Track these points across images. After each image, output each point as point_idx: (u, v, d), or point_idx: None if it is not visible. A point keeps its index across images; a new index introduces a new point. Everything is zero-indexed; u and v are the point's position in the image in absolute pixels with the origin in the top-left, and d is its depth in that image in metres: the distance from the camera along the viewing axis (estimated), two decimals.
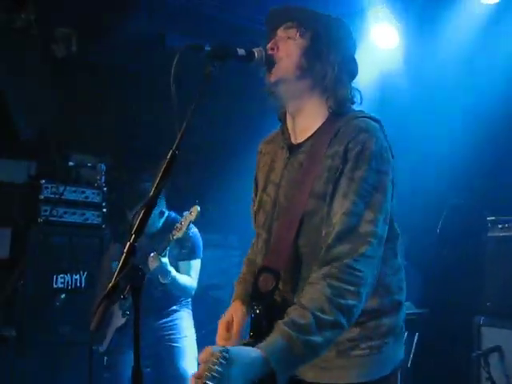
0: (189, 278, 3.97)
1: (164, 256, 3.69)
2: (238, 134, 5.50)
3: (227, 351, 1.45)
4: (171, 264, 3.89)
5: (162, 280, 3.72)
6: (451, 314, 4.35)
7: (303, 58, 1.84)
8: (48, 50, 4.95)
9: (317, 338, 1.56)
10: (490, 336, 3.68)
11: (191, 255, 4.04)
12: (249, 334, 1.81)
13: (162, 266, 3.68)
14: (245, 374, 1.48)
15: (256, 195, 2.06)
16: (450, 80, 4.54)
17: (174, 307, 4.06)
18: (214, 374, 1.42)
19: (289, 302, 1.78)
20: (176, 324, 4.04)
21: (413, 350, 4.19)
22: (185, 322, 4.07)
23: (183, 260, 4.00)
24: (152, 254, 3.70)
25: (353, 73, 1.92)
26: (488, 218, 3.96)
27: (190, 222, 3.73)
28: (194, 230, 4.06)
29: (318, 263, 1.67)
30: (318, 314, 1.57)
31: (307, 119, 1.89)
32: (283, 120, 1.99)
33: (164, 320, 4.00)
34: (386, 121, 1.83)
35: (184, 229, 3.71)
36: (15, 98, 4.64)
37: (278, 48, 1.87)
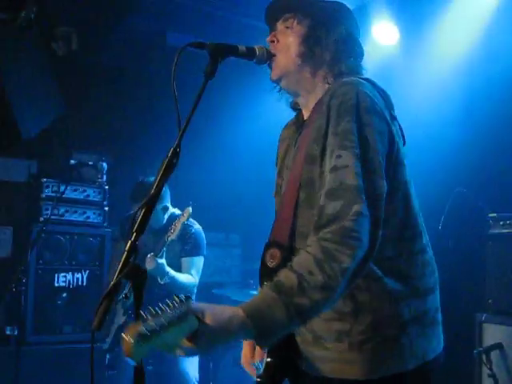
0: (188, 276, 3.96)
1: (161, 257, 3.70)
2: (241, 134, 5.50)
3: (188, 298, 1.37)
4: (173, 261, 3.90)
5: (160, 281, 3.72)
6: (452, 311, 4.33)
7: (302, 45, 1.85)
8: (49, 49, 4.95)
9: (302, 301, 1.46)
10: (492, 333, 3.67)
11: (193, 252, 4.03)
12: None
13: (159, 267, 3.69)
14: (219, 333, 1.41)
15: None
16: (451, 76, 4.53)
17: None
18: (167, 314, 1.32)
19: None
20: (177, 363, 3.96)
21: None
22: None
23: (185, 256, 4.00)
24: (149, 255, 3.72)
25: (355, 51, 1.89)
26: (489, 215, 3.95)
27: (183, 223, 3.74)
28: (197, 226, 4.08)
29: (314, 227, 1.58)
30: (305, 275, 1.48)
31: (313, 99, 1.89)
32: (296, 107, 2.01)
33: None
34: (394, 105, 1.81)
35: (177, 231, 3.72)
36: (16, 96, 4.63)
37: (277, 40, 1.88)
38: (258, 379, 1.80)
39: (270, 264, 1.76)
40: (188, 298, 1.35)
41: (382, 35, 4.88)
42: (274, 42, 1.88)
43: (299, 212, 1.75)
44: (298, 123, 1.97)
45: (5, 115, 4.62)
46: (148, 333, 1.25)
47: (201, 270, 4.08)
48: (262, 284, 1.80)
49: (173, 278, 3.78)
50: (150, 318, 1.28)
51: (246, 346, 2.00)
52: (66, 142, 5.09)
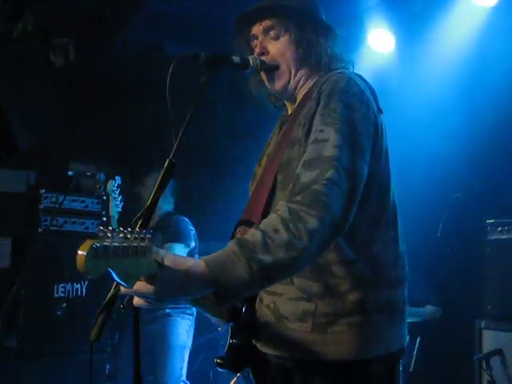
0: None
1: None
2: (241, 140, 5.51)
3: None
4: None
5: None
6: (452, 318, 4.34)
7: (298, 50, 1.88)
8: (47, 60, 4.96)
9: (265, 258, 1.43)
10: (492, 339, 3.68)
11: (173, 238, 3.98)
12: None
13: None
14: (178, 281, 1.39)
15: None
16: (447, 82, 4.55)
17: (164, 311, 3.99)
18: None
19: None
20: (162, 331, 3.98)
21: (414, 355, 4.18)
22: (172, 329, 4.01)
23: (167, 243, 3.95)
24: None
25: (328, 35, 1.91)
26: (487, 221, 3.96)
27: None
28: (179, 216, 4.10)
29: (287, 196, 1.58)
30: (270, 233, 1.46)
31: (302, 94, 1.92)
32: (278, 104, 2.05)
33: (148, 327, 3.94)
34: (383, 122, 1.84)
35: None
36: (14, 108, 4.64)
37: (267, 51, 1.89)
38: (219, 360, 1.75)
39: None
40: (152, 235, 1.32)
41: (377, 43, 4.90)
42: (264, 54, 1.89)
43: (276, 193, 1.75)
44: (282, 118, 2.01)
45: (2, 126, 4.63)
46: (100, 251, 1.22)
47: None
48: None
49: None
50: (108, 237, 1.24)
51: None
52: (64, 152, 5.09)
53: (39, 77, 4.81)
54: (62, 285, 4.51)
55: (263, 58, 1.88)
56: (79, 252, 1.22)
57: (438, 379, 4.34)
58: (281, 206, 1.54)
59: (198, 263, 1.42)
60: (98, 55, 5.12)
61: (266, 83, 1.94)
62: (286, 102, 2.00)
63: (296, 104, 1.92)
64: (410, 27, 4.73)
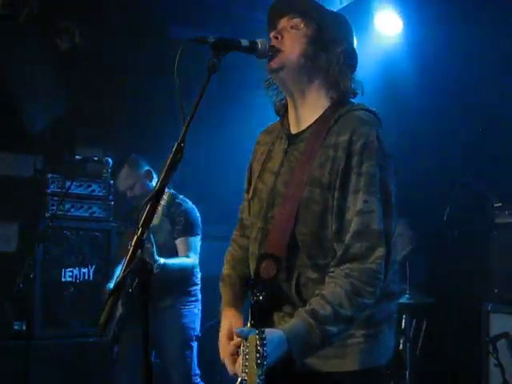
0: (184, 258, 3.88)
1: (152, 247, 3.67)
2: (242, 126, 5.49)
3: (263, 332, 1.55)
4: (166, 241, 3.86)
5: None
6: (459, 301, 4.35)
7: (309, 47, 1.85)
8: (52, 44, 4.95)
9: (333, 329, 1.67)
10: (498, 322, 3.69)
11: (186, 232, 3.95)
12: (249, 321, 1.78)
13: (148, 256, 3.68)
14: (274, 353, 1.59)
15: (250, 184, 2.06)
16: (455, 65, 4.51)
17: (169, 302, 3.95)
18: (261, 356, 1.54)
19: (284, 290, 1.81)
20: (176, 324, 3.96)
21: (421, 337, 4.19)
22: (185, 321, 3.99)
23: (178, 237, 3.93)
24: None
25: (354, 66, 1.93)
26: (495, 205, 3.95)
27: (163, 206, 3.71)
28: (189, 205, 4.02)
29: (337, 260, 1.74)
30: (337, 308, 1.67)
31: (307, 109, 1.90)
32: (282, 112, 2.01)
33: (160, 317, 3.89)
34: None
35: (159, 216, 3.74)
36: (21, 93, 4.64)
37: (282, 36, 1.87)
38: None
39: (265, 275, 1.79)
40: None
41: (385, 25, 4.86)
42: (277, 38, 1.87)
43: (299, 229, 1.80)
44: (284, 130, 1.96)
45: (10, 110, 4.63)
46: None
47: (198, 249, 3.98)
48: (254, 294, 1.80)
49: (164, 266, 3.67)
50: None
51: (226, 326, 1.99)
52: (71, 137, 5.10)
53: (46, 61, 4.80)
54: (70, 269, 4.54)
55: (274, 41, 1.86)
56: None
57: (444, 362, 4.36)
58: (339, 276, 1.72)
59: (281, 335, 1.64)
60: (104, 39, 5.10)
61: (267, 65, 1.89)
62: (290, 108, 1.95)
63: (306, 122, 1.89)
64: (418, 9, 4.68)
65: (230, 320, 1.96)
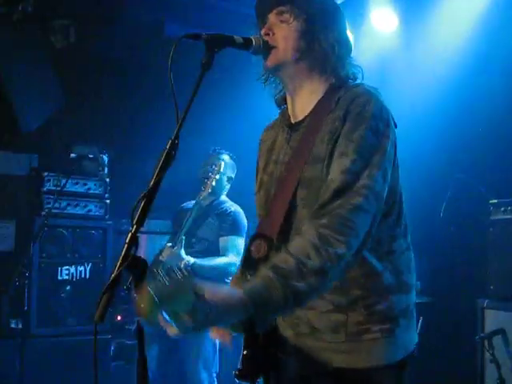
0: (221, 258, 3.94)
1: (179, 247, 3.74)
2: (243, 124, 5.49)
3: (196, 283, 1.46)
4: (211, 238, 3.97)
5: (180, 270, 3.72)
6: (455, 298, 4.36)
7: (301, 40, 1.84)
8: (48, 42, 4.94)
9: (299, 285, 1.52)
10: (494, 319, 3.69)
11: (232, 230, 4.04)
12: None
13: (174, 257, 3.73)
14: (217, 309, 1.45)
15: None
16: (450, 62, 4.51)
17: None
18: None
19: None
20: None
21: (417, 334, 4.19)
22: None
23: (223, 235, 4.01)
24: (168, 245, 3.77)
25: (350, 49, 1.92)
26: (490, 201, 3.95)
27: (216, 180, 3.90)
28: (237, 208, 4.13)
29: (310, 217, 1.64)
30: (302, 259, 1.53)
31: (307, 98, 1.89)
32: (281, 104, 2.01)
33: None
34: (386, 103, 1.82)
35: (209, 188, 3.87)
36: (15, 91, 4.63)
37: (273, 33, 1.86)
38: (237, 372, 1.79)
39: (255, 255, 1.78)
40: (188, 272, 1.49)
41: (380, 22, 4.86)
42: (269, 34, 1.86)
43: (297, 210, 1.77)
44: (285, 121, 1.96)
45: (4, 109, 4.62)
46: (158, 301, 1.38)
47: (241, 251, 4.01)
48: (243, 274, 1.82)
49: (194, 266, 3.76)
50: (158, 286, 1.39)
51: None
52: (66, 135, 5.09)
53: (41, 59, 4.79)
54: (66, 267, 4.54)
55: (266, 38, 1.85)
56: (141, 304, 1.39)
57: (440, 358, 4.37)
58: (309, 230, 1.60)
59: (235, 292, 1.50)
60: (99, 36, 5.09)
61: (263, 63, 1.90)
62: (290, 98, 1.94)
63: (307, 109, 1.88)
64: (414, 6, 4.68)
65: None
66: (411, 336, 1.83)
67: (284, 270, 1.52)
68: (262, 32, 1.87)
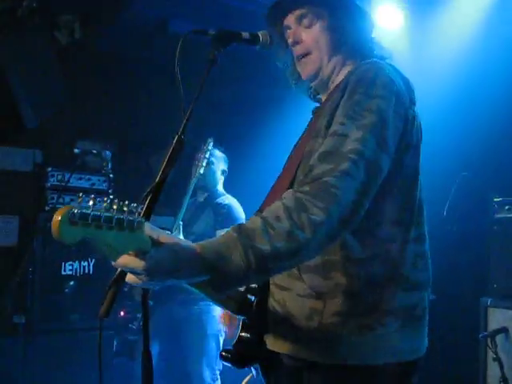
0: None
1: (177, 233, 3.75)
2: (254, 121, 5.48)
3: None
4: (206, 231, 3.94)
5: None
6: (458, 296, 4.35)
7: (332, 37, 1.82)
8: (52, 38, 4.93)
9: (263, 246, 1.36)
10: (497, 317, 3.69)
11: (228, 223, 3.94)
12: None
13: None
14: (170, 262, 1.33)
15: None
16: (456, 60, 4.50)
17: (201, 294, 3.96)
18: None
19: None
20: (198, 319, 3.97)
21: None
22: (208, 317, 3.99)
23: (220, 229, 3.97)
24: (166, 232, 3.76)
25: (373, 30, 1.88)
26: (494, 200, 3.95)
27: (206, 158, 3.91)
28: (232, 201, 4.13)
29: (296, 184, 1.55)
30: (270, 220, 1.39)
31: (336, 83, 1.85)
32: (315, 96, 1.99)
33: (182, 309, 3.96)
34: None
35: (200, 167, 3.86)
36: (20, 86, 4.63)
37: (301, 40, 1.84)
38: (224, 353, 1.73)
39: None
40: (139, 207, 1.27)
41: (385, 19, 4.84)
42: (298, 43, 1.84)
43: (295, 184, 1.68)
44: (316, 109, 1.95)
45: (9, 105, 4.62)
46: (77, 217, 1.17)
47: None
48: None
49: None
50: (90, 204, 1.19)
51: None
52: (70, 130, 5.09)
53: (45, 55, 4.79)
54: (70, 263, 4.54)
55: (297, 47, 1.84)
56: (54, 217, 1.16)
57: (443, 357, 4.37)
58: (287, 194, 1.47)
59: (192, 246, 1.38)
60: (104, 32, 5.09)
61: (300, 72, 1.88)
62: (322, 95, 1.94)
63: (328, 94, 1.86)
64: (420, 3, 4.67)
65: None
66: (408, 342, 1.62)
67: (248, 230, 1.38)
68: (290, 41, 1.86)
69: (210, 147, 3.97)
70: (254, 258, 1.36)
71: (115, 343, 4.63)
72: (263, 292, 1.73)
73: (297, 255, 1.40)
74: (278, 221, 1.38)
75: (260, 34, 1.81)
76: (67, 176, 4.50)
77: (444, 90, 4.57)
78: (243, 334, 1.74)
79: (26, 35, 4.64)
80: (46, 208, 4.48)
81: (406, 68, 1.83)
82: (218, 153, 4.19)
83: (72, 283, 4.53)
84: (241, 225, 1.42)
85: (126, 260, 1.31)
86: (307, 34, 1.83)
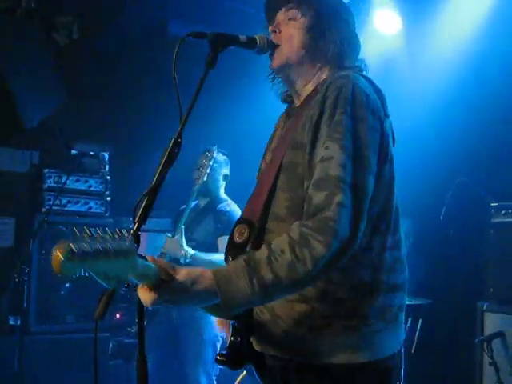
0: (216, 254, 3.89)
1: (179, 237, 3.75)
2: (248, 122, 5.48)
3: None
4: (207, 239, 3.93)
5: (181, 261, 3.72)
6: (454, 300, 4.36)
7: (307, 37, 1.84)
8: (50, 39, 4.94)
9: (267, 274, 1.51)
10: (493, 322, 3.69)
11: (228, 230, 3.98)
12: None
13: (173, 247, 3.73)
14: (185, 289, 1.49)
15: None
16: (453, 64, 4.51)
17: None
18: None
19: None
20: (196, 323, 3.93)
21: (416, 336, 4.20)
22: (205, 322, 3.94)
23: (220, 236, 3.96)
24: (168, 235, 3.77)
25: (358, 47, 1.91)
26: (491, 204, 3.95)
27: (210, 166, 3.88)
28: (234, 207, 4.08)
29: (303, 216, 1.61)
30: (276, 252, 1.54)
31: (307, 88, 1.89)
32: (287, 101, 2.01)
33: (179, 315, 3.93)
34: (388, 105, 1.81)
35: (204, 175, 3.86)
36: (18, 87, 4.62)
37: (279, 31, 1.86)
38: (219, 357, 1.78)
39: (237, 239, 1.80)
40: (129, 234, 1.35)
41: (383, 24, 4.85)
42: (275, 32, 1.86)
43: (276, 194, 1.76)
44: (291, 111, 1.97)
45: (6, 105, 4.62)
46: (77, 255, 1.23)
47: None
48: (226, 258, 1.82)
49: (194, 257, 3.75)
50: (85, 237, 1.26)
51: None
52: (68, 132, 5.09)
53: (43, 56, 4.79)
54: None
55: (272, 35, 1.86)
56: (54, 254, 1.22)
57: (439, 361, 4.37)
58: (294, 228, 1.58)
59: (206, 275, 1.53)
60: (102, 33, 5.09)
61: (269, 63, 1.90)
62: (293, 94, 1.95)
63: (302, 99, 1.88)
64: (418, 7, 4.68)
65: None
66: (388, 340, 1.73)
67: (255, 260, 1.54)
68: (270, 29, 1.88)
69: (214, 155, 3.95)
70: (258, 285, 1.51)
71: (111, 345, 4.63)
72: None
73: (297, 284, 1.57)
74: (282, 253, 1.53)
75: (257, 37, 1.82)
76: (64, 178, 4.50)
77: (441, 94, 4.58)
78: (234, 338, 1.79)
79: (24, 36, 4.64)
80: (43, 209, 4.47)
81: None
82: (220, 157, 4.16)
83: (68, 285, 4.53)
84: (250, 255, 1.56)
85: (141, 292, 1.49)
86: (286, 27, 1.86)
